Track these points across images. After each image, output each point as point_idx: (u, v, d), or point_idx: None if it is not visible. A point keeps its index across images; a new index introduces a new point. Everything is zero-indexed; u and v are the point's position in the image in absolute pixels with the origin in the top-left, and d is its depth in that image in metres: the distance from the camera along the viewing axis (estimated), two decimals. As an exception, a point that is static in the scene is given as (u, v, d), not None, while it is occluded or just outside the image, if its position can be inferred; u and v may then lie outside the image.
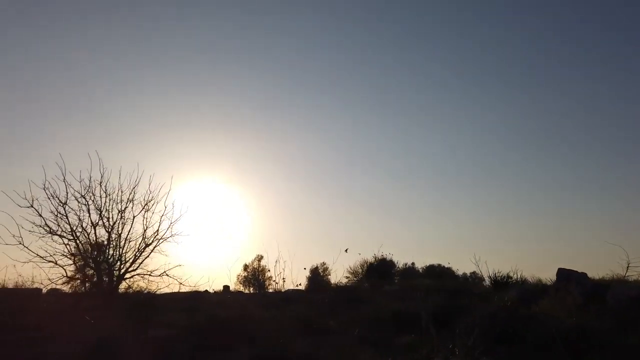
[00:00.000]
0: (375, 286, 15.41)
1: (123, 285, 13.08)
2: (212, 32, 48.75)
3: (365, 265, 24.86)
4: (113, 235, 12.84)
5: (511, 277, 12.71)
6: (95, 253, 12.73)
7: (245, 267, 28.87)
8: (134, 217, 12.99)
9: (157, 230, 13.08)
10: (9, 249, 12.24)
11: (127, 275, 12.97)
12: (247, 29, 47.87)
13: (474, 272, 20.57)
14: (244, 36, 48.42)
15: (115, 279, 12.82)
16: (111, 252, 12.81)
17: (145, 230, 13.01)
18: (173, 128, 48.76)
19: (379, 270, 25.14)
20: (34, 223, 12.44)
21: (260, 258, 25.91)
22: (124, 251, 12.89)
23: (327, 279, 25.50)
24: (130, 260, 12.91)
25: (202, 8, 46.53)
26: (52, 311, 10.72)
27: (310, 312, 11.40)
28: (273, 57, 50.23)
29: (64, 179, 12.57)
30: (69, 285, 13.34)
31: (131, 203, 12.94)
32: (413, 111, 51.60)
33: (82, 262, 12.67)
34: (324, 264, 24.07)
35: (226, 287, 19.60)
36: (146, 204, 13.01)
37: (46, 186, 12.51)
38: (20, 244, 12.25)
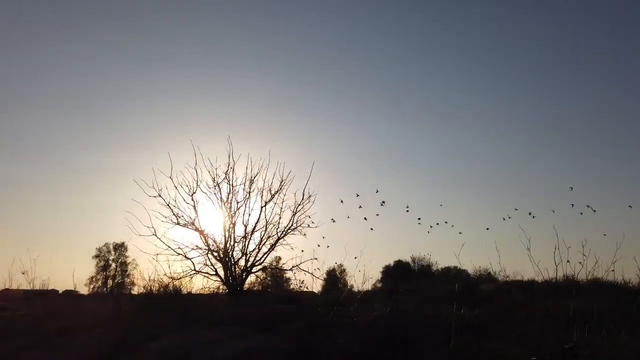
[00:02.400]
0: (468, 286, 15.66)
1: (250, 279, 12.38)
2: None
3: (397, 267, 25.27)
4: (238, 228, 12.08)
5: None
6: (222, 246, 11.91)
7: (265, 268, 28.35)
8: (260, 207, 12.24)
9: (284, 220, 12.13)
10: (140, 241, 11.36)
11: (254, 269, 12.29)
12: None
13: (489, 273, 20.73)
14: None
15: (242, 273, 12.08)
16: (237, 245, 12.04)
17: (267, 222, 12.26)
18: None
19: (399, 273, 25.75)
20: (160, 213, 11.65)
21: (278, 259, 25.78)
22: (248, 244, 12.16)
23: (345, 280, 25.56)
24: (255, 254, 12.19)
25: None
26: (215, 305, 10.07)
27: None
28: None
29: (195, 166, 11.72)
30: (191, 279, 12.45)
31: (258, 192, 12.18)
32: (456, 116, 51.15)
33: (210, 255, 11.85)
34: (340, 265, 24.00)
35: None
36: (273, 195, 12.26)
37: (173, 175, 11.66)
38: (154, 235, 11.44)
